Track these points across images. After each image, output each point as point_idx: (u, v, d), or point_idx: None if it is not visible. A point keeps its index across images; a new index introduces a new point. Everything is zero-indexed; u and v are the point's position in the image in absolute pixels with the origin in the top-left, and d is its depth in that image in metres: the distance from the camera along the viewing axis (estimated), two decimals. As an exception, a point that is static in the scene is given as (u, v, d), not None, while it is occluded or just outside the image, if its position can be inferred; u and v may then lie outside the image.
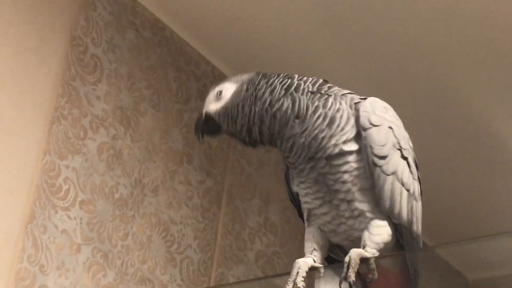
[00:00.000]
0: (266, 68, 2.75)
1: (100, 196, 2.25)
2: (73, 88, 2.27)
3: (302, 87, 1.56)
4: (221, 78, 2.77)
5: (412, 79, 2.75)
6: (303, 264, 1.55)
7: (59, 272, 2.09)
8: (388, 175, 1.50)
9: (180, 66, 2.65)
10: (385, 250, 1.52)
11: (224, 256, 2.62)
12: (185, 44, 2.68)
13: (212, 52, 2.75)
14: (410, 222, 1.53)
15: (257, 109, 1.56)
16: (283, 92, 1.55)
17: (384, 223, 1.52)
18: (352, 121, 1.52)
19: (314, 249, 1.59)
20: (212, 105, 1.63)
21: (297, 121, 1.53)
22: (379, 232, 1.51)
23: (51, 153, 2.15)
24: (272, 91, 1.56)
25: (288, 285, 1.53)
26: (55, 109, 2.20)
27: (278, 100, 1.55)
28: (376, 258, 1.49)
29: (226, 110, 1.59)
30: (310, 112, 1.53)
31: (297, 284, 1.52)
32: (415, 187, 1.56)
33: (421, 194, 1.59)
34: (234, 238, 2.67)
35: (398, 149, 1.53)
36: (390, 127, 1.53)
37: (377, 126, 1.51)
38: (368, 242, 1.49)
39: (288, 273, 1.55)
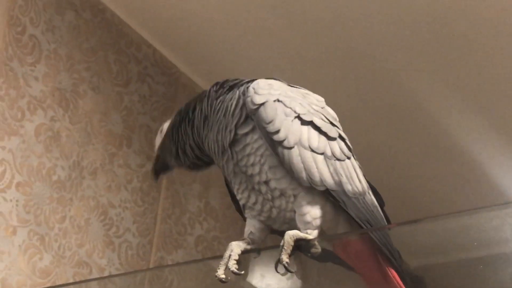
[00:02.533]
0: (207, 49, 2.75)
1: (37, 178, 2.22)
2: (11, 68, 2.23)
3: (209, 91, 1.60)
4: (162, 61, 2.76)
5: (352, 63, 2.76)
6: (236, 246, 1.54)
7: (-6, 255, 2.06)
8: (291, 147, 1.47)
9: (120, 48, 2.62)
10: (328, 221, 1.49)
11: (163, 240, 2.61)
12: (126, 26, 2.65)
13: (153, 35, 2.72)
14: (339, 184, 1.48)
15: (182, 129, 1.61)
16: (197, 103, 1.60)
17: (309, 198, 1.48)
18: (240, 104, 1.52)
19: (251, 232, 1.58)
20: (156, 144, 1.70)
21: (206, 122, 1.57)
22: (305, 211, 1.48)
23: (-13, 134, 2.12)
24: (191, 107, 1.61)
25: (219, 269, 1.51)
26: (-9, 89, 2.17)
27: (194, 111, 1.60)
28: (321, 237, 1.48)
29: (163, 143, 1.66)
30: (213, 109, 1.56)
31: (229, 268, 1.51)
32: (334, 146, 1.51)
33: (350, 150, 1.54)
34: (173, 222, 2.66)
35: (296, 117, 1.50)
36: (278, 100, 1.50)
37: (262, 104, 1.49)
38: (300, 225, 1.48)
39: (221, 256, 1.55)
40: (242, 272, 1.53)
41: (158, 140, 1.69)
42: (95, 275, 2.31)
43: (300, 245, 1.46)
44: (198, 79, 2.86)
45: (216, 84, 1.62)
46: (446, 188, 3.16)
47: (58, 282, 2.19)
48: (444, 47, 2.64)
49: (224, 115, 1.53)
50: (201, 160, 1.63)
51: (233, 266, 1.52)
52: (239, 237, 1.61)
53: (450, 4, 2.47)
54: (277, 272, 1.47)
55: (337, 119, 1.59)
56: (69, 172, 2.32)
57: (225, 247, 1.57)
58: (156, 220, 2.60)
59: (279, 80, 1.59)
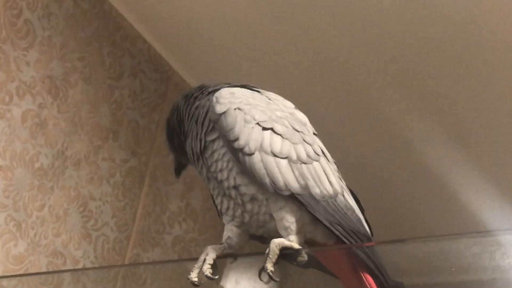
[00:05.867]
0: (201, 50, 2.74)
1: (20, 164, 2.20)
2: (2, 51, 2.21)
3: (191, 94, 1.62)
4: (155, 57, 2.75)
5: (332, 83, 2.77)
6: (212, 250, 1.53)
7: (-32, 237, 2.04)
8: (252, 154, 1.47)
9: (115, 41, 2.61)
10: (306, 225, 1.48)
11: (141, 237, 2.59)
12: (123, 19, 2.64)
13: (150, 31, 2.71)
14: (305, 187, 1.47)
15: (171, 127, 1.65)
16: (184, 102, 1.63)
17: (281, 202, 1.48)
18: (207, 113, 1.55)
19: (229, 237, 1.57)
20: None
21: (183, 128, 1.60)
22: (281, 216, 1.47)
23: (-27, 115, 2.10)
24: (177, 105, 1.64)
25: (192, 272, 1.50)
26: (-18, 70, 2.15)
27: (176, 111, 1.64)
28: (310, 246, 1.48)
29: (166, 143, 1.69)
30: (188, 116, 1.59)
31: (204, 272, 1.50)
32: (300, 150, 1.50)
33: (319, 154, 1.53)
34: (153, 220, 2.65)
35: (256, 124, 1.50)
36: (238, 108, 1.51)
37: (223, 113, 1.50)
38: (281, 232, 1.48)
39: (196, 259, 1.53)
40: (216, 277, 1.52)
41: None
42: (69, 266, 2.29)
43: (286, 254, 1.45)
44: (190, 79, 2.85)
45: (196, 88, 1.63)
46: (424, 214, 3.17)
47: (31, 270, 2.17)
48: (426, 77, 2.64)
49: (196, 122, 1.55)
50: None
51: (207, 270, 1.51)
52: (217, 241, 1.60)
53: (432, 30, 2.48)
54: (261, 280, 1.46)
55: (307, 124, 1.58)
56: (53, 161, 2.30)
57: (202, 249, 1.56)
58: (136, 217, 2.58)
59: (247, 86, 1.60)
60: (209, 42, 2.72)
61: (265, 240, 1.52)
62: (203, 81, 1.71)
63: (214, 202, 1.60)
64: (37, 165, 2.25)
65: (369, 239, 1.51)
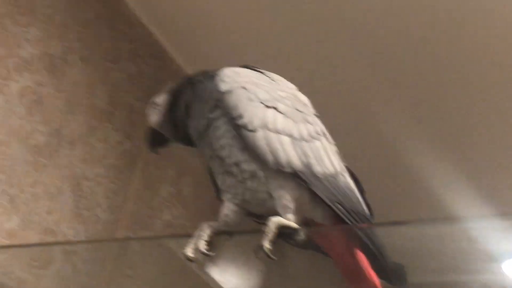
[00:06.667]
0: (200, 39, 2.75)
1: (15, 140, 2.20)
2: (3, 26, 2.21)
3: (197, 78, 1.62)
4: (154, 44, 2.76)
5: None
6: (207, 227, 1.53)
7: (-38, 209, 2.04)
8: (255, 130, 1.48)
9: (115, 25, 2.62)
10: (305, 204, 1.49)
11: (131, 220, 2.59)
12: (124, 4, 2.65)
13: (149, 17, 2.72)
14: (307, 165, 1.49)
15: (174, 108, 1.64)
16: (189, 85, 1.63)
17: (280, 180, 1.48)
18: (211, 92, 1.56)
19: (226, 214, 1.57)
20: (153, 117, 1.68)
21: (188, 110, 1.60)
22: (280, 194, 1.48)
23: (-29, 88, 2.10)
24: (185, 87, 1.64)
25: (186, 247, 1.50)
26: (-18, 44, 2.15)
27: (186, 93, 1.62)
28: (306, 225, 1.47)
29: (163, 118, 1.66)
30: (194, 97, 1.59)
31: (199, 248, 1.50)
32: (302, 128, 1.53)
33: (320, 133, 1.55)
34: (144, 204, 2.65)
35: (260, 102, 1.52)
36: (243, 87, 1.53)
37: (228, 91, 1.52)
38: (280, 210, 1.48)
39: (190, 236, 1.52)
40: (212, 253, 1.51)
41: (151, 113, 1.68)
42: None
43: (283, 233, 1.45)
44: (187, 66, 2.86)
45: (200, 73, 1.64)
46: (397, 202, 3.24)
47: (23, 246, 2.17)
48: (402, 76, 2.68)
49: (200, 102, 1.56)
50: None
51: (202, 246, 1.50)
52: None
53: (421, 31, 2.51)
54: (257, 257, 1.45)
55: (308, 105, 1.60)
56: (48, 139, 2.31)
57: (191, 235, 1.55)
58: (127, 199, 2.58)
59: (249, 66, 1.61)
60: (207, 30, 2.73)
61: (264, 219, 1.51)
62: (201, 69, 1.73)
63: (214, 181, 1.61)
64: (32, 142, 2.25)
65: (368, 220, 1.52)
